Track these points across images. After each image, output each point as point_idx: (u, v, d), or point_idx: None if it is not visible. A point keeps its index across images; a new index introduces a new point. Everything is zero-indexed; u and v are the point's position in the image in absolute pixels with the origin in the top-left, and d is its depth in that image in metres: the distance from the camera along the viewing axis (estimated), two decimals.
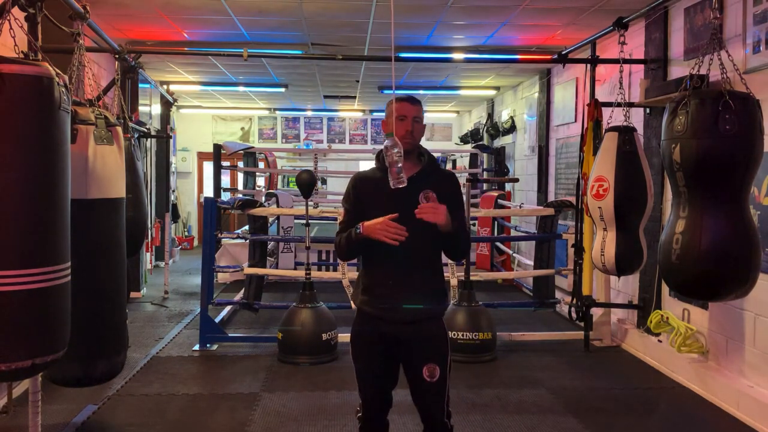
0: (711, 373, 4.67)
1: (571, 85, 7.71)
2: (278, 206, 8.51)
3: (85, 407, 4.31)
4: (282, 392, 4.74)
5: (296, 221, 8.80)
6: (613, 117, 4.83)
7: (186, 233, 13.49)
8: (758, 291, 3.52)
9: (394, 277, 2.71)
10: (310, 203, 5.77)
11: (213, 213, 6.09)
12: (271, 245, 8.03)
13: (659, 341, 5.37)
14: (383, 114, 2.87)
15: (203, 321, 5.91)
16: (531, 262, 7.26)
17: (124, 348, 3.55)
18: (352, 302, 5.74)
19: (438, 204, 2.56)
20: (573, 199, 6.01)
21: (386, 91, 10.15)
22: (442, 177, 2.81)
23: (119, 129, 3.44)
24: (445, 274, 2.90)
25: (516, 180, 8.35)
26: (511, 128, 10.18)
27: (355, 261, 8.50)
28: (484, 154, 11.04)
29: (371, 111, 13.79)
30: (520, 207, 8.35)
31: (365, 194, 2.75)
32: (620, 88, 4.85)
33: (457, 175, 12.32)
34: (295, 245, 8.54)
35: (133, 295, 7.77)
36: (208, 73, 9.35)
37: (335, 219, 6.21)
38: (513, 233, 8.88)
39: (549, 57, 6.68)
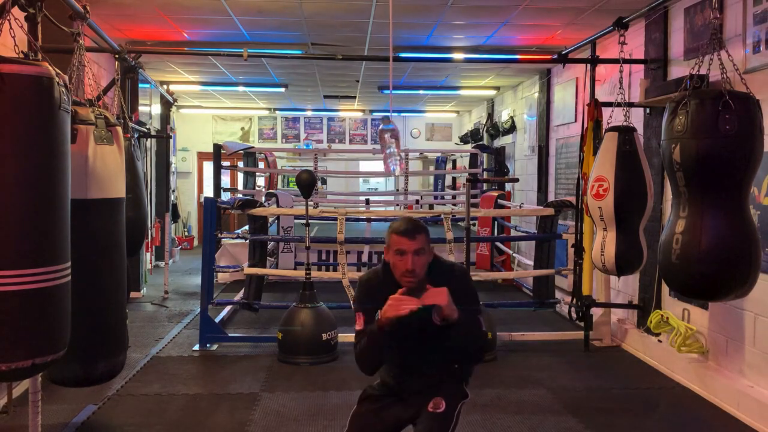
0: (711, 373, 4.67)
1: (571, 85, 7.71)
2: (278, 206, 8.51)
3: (85, 407, 4.31)
4: (282, 392, 4.74)
5: (296, 221, 8.81)
6: (613, 117, 4.83)
7: (186, 233, 13.49)
8: (758, 291, 3.52)
9: (408, 379, 2.66)
10: (310, 203, 5.77)
11: (213, 213, 6.10)
12: (271, 245, 8.03)
13: (659, 341, 5.37)
14: (383, 114, 2.79)
15: (203, 321, 5.91)
16: (531, 262, 7.26)
17: (124, 348, 3.55)
18: (352, 303, 5.76)
19: (439, 288, 2.42)
20: (573, 199, 6.01)
21: (386, 91, 10.15)
22: (452, 280, 2.58)
23: (119, 129, 3.43)
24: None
25: (516, 180, 8.34)
26: (511, 128, 10.18)
27: (355, 261, 8.61)
28: (484, 154, 11.04)
29: (371, 111, 13.79)
30: (520, 207, 8.35)
31: (376, 296, 2.54)
32: (620, 88, 4.85)
33: (457, 175, 12.41)
34: (295, 245, 8.53)
35: (133, 295, 7.77)
36: (208, 73, 9.35)
37: (335, 219, 6.21)
38: (513, 233, 8.88)
39: (549, 57, 6.69)
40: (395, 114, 13.69)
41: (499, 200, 8.98)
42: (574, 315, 5.80)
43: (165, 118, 10.18)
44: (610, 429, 4.16)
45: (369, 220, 8.56)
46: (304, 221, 5.75)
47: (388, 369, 2.72)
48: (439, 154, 12.74)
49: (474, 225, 9.16)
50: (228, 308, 7.01)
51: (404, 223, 2.55)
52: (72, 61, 3.65)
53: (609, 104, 5.09)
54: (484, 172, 10.82)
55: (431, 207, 11.51)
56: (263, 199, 9.02)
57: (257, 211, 6.22)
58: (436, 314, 2.44)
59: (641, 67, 5.78)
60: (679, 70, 5.27)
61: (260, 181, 11.82)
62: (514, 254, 9.00)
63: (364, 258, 8.74)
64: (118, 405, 4.43)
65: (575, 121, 7.52)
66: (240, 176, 12.42)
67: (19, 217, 2.45)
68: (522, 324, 6.60)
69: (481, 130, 11.87)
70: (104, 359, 3.34)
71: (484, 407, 4.42)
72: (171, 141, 10.37)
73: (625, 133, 4.57)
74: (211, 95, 11.55)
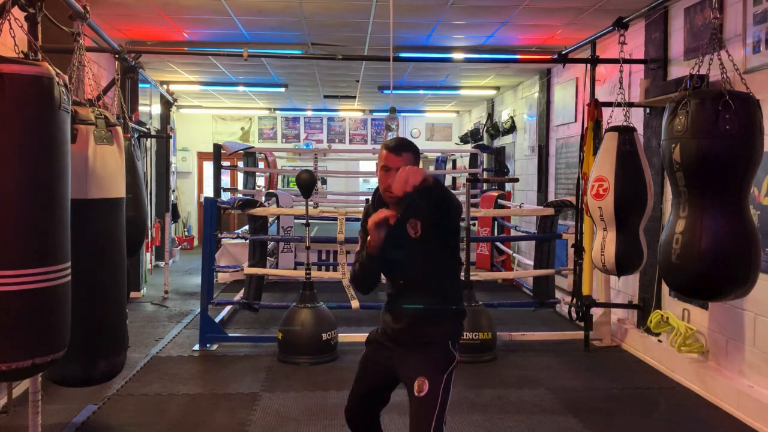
0: (711, 373, 4.67)
1: (571, 85, 7.71)
2: (278, 206, 8.51)
3: (85, 407, 4.31)
4: (282, 392, 4.74)
5: (296, 221, 8.80)
6: (613, 117, 4.83)
7: (186, 233, 13.49)
8: (758, 291, 3.51)
9: (393, 298, 2.71)
10: (310, 203, 5.77)
11: (213, 213, 6.09)
12: (271, 245, 8.03)
13: (659, 341, 5.37)
14: (383, 114, 2.83)
15: (203, 321, 5.90)
16: (531, 262, 7.26)
17: (124, 348, 3.55)
18: (352, 303, 5.76)
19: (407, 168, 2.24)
20: (573, 199, 6.01)
21: (386, 91, 10.15)
22: (427, 196, 2.43)
23: (119, 129, 3.44)
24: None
25: (516, 180, 8.35)
26: (511, 128, 10.18)
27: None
28: (484, 154, 11.04)
29: (371, 111, 13.78)
30: (520, 207, 8.35)
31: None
32: (620, 88, 4.85)
33: (457, 175, 12.39)
34: (295, 245, 8.53)
35: (133, 295, 7.77)
36: (208, 73, 9.35)
37: (335, 219, 6.21)
38: (513, 233, 8.88)
39: (549, 57, 6.68)
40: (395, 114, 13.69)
41: (499, 200, 8.99)
42: (574, 315, 5.80)
43: (165, 118, 10.18)
44: (610, 429, 4.16)
45: None
46: (304, 221, 5.75)
47: (385, 309, 2.78)
48: (439, 154, 12.73)
49: (474, 225, 9.16)
50: (228, 308, 7.01)
51: (394, 140, 2.61)
52: (72, 61, 3.65)
53: (609, 104, 5.09)
54: (484, 172, 10.81)
55: None
56: (263, 199, 9.01)
57: (257, 211, 6.22)
58: (412, 222, 2.52)
59: (641, 67, 5.78)
60: (679, 70, 5.27)
61: (260, 181, 11.81)
62: (514, 254, 9.00)
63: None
64: (118, 405, 4.43)
65: (575, 121, 7.52)
66: (240, 176, 12.42)
67: (19, 217, 2.45)
68: (522, 324, 6.59)
69: (481, 130, 11.87)
70: (104, 359, 3.34)
71: (484, 407, 4.42)
72: (171, 141, 10.37)
73: (625, 133, 4.57)
74: (211, 95, 11.55)
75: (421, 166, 2.60)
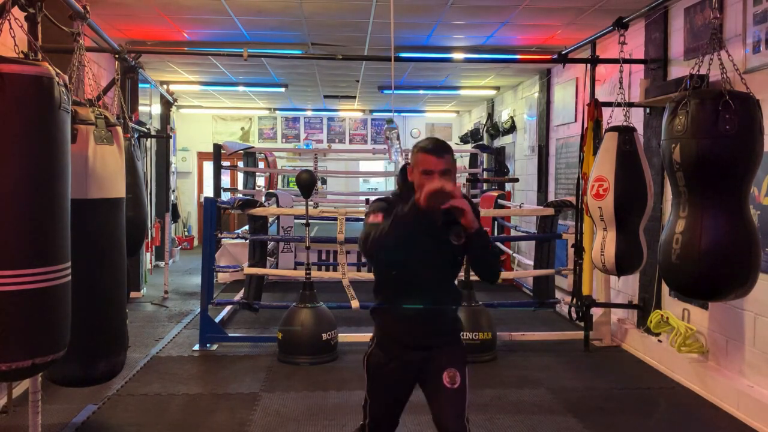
0: (711, 373, 4.67)
1: (571, 85, 7.71)
2: (278, 206, 8.51)
3: (85, 407, 4.31)
4: (282, 392, 4.74)
5: (296, 221, 8.80)
6: (613, 117, 4.83)
7: (186, 233, 13.49)
8: (758, 291, 3.52)
9: (418, 306, 2.61)
10: (310, 203, 5.77)
11: (213, 213, 6.09)
12: (271, 245, 8.03)
13: (659, 341, 5.37)
14: (383, 114, 2.79)
15: (203, 321, 5.90)
16: (531, 262, 7.25)
17: (124, 348, 3.55)
18: (352, 303, 5.75)
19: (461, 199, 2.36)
20: (573, 199, 6.01)
21: (386, 91, 10.15)
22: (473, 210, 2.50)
23: (119, 129, 3.44)
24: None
25: (516, 180, 8.35)
26: (511, 128, 10.18)
27: (355, 261, 8.60)
28: (484, 154, 11.04)
29: (371, 111, 13.78)
30: (520, 207, 8.35)
31: (395, 207, 2.46)
32: (620, 88, 4.85)
33: (457, 175, 12.38)
34: (295, 245, 8.53)
35: (133, 295, 7.77)
36: (208, 73, 9.35)
37: (335, 219, 6.20)
38: (513, 233, 8.88)
39: (549, 57, 6.68)
40: (395, 114, 13.70)
41: (499, 200, 8.99)
42: (574, 315, 5.80)
43: (165, 118, 10.18)
44: (610, 429, 4.16)
45: None
46: (304, 221, 5.75)
47: (387, 308, 2.65)
48: None
49: None
50: (228, 308, 7.01)
51: (431, 141, 2.49)
52: (72, 61, 3.65)
53: (609, 104, 5.09)
54: (484, 172, 10.81)
55: None
56: (263, 199, 9.01)
57: (257, 211, 6.22)
58: (456, 231, 2.40)
59: (641, 67, 5.78)
60: (679, 70, 5.27)
61: (260, 181, 11.81)
62: (514, 254, 9.00)
63: (364, 258, 8.73)
64: (118, 405, 4.43)
65: (575, 121, 7.52)
66: (240, 176, 12.42)
67: (19, 217, 2.45)
68: (522, 324, 6.60)
69: (481, 130, 11.87)
70: (104, 359, 3.34)
71: (484, 407, 4.42)
72: (171, 141, 10.37)
73: (625, 133, 4.57)
74: (211, 95, 11.55)
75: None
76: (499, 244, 9.08)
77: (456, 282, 2.83)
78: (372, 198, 11.17)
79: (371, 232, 2.45)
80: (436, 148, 2.45)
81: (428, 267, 2.57)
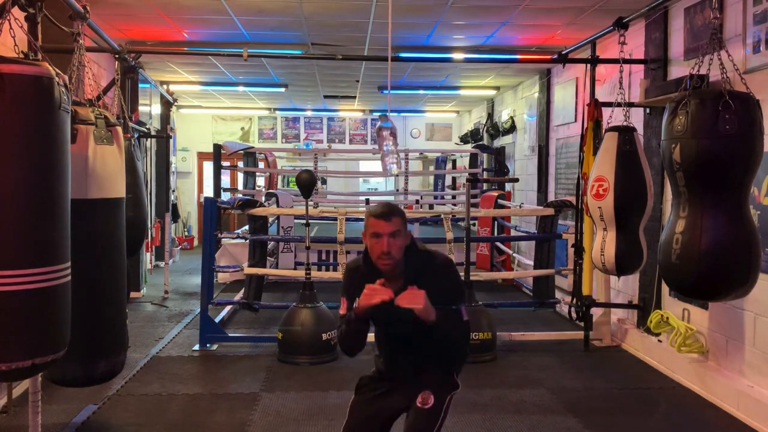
0: (711, 373, 4.67)
1: (571, 85, 7.71)
2: (278, 206, 8.51)
3: (85, 407, 4.31)
4: (282, 392, 4.75)
5: (296, 221, 8.80)
6: (613, 117, 4.83)
7: (186, 233, 13.49)
8: (758, 291, 3.52)
9: (397, 365, 2.72)
10: (310, 203, 5.77)
11: (213, 213, 6.09)
12: (271, 245, 8.03)
13: (659, 341, 5.37)
14: (381, 112, 2.80)
15: (203, 321, 5.90)
16: (531, 262, 7.25)
17: (124, 348, 3.55)
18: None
19: (417, 290, 2.43)
20: (573, 199, 6.01)
21: (385, 91, 10.15)
22: (431, 274, 2.59)
23: (119, 129, 3.44)
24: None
25: (516, 180, 8.35)
26: (511, 128, 10.18)
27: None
28: (484, 154, 11.04)
29: (371, 111, 13.79)
30: (520, 207, 8.35)
31: (359, 284, 2.57)
32: (620, 88, 4.85)
33: (457, 175, 12.40)
34: (295, 245, 8.53)
35: (133, 295, 7.77)
36: (208, 73, 9.35)
37: (335, 219, 6.20)
38: (513, 233, 8.88)
39: (549, 57, 6.68)
40: (395, 114, 13.69)
41: (499, 200, 8.98)
42: (574, 315, 5.80)
43: (165, 118, 10.18)
44: (610, 429, 4.16)
45: None
46: (304, 221, 5.75)
47: (379, 354, 2.80)
48: (439, 154, 12.74)
49: (474, 225, 9.16)
50: (228, 308, 7.01)
51: (380, 206, 2.61)
52: (72, 61, 3.64)
53: (609, 104, 5.09)
54: (484, 172, 10.81)
55: (431, 207, 11.51)
56: (263, 199, 9.01)
57: (257, 211, 6.22)
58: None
59: (641, 67, 5.78)
60: (679, 70, 5.27)
61: (260, 181, 11.82)
62: (514, 254, 8.99)
63: None
64: (118, 405, 4.43)
65: (575, 121, 7.52)
66: (240, 176, 12.43)
67: (19, 217, 2.45)
68: (522, 324, 6.60)
69: (481, 130, 11.87)
70: (104, 359, 3.34)
71: (484, 407, 4.42)
72: (171, 141, 10.37)
73: (625, 133, 4.57)
74: (211, 95, 11.55)
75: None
76: (499, 244, 9.10)
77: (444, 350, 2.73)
78: (371, 200, 11.16)
79: (339, 330, 2.68)
80: (383, 213, 2.55)
81: (402, 339, 2.66)
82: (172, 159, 10.65)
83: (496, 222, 9.11)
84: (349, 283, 2.69)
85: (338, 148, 13.82)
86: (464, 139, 12.60)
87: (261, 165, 11.46)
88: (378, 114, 13.71)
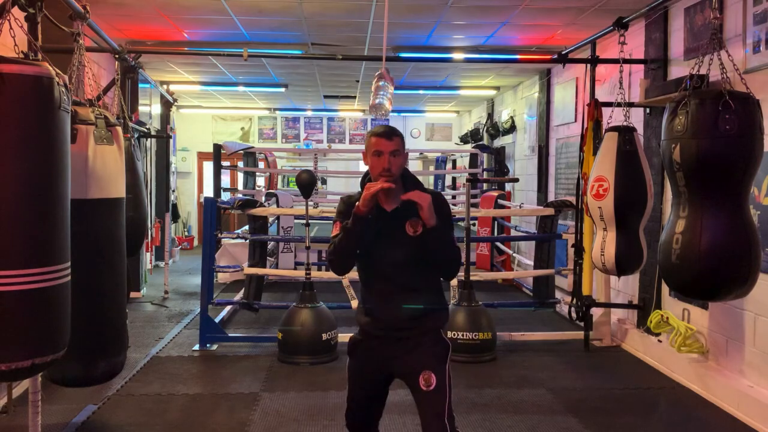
0: (711, 373, 4.67)
1: (571, 85, 7.71)
2: (278, 206, 8.51)
3: (85, 407, 4.31)
4: (282, 392, 4.75)
5: (296, 221, 8.80)
6: (613, 117, 4.83)
7: (186, 233, 13.49)
8: (758, 291, 3.52)
9: (388, 297, 2.68)
10: (310, 203, 5.77)
11: (213, 213, 6.10)
12: (271, 245, 8.03)
13: (659, 341, 5.37)
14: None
15: (203, 321, 5.91)
16: (531, 262, 7.26)
17: (124, 348, 3.55)
18: (352, 303, 5.75)
19: (422, 192, 2.57)
20: (573, 199, 6.01)
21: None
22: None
23: (119, 129, 3.44)
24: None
25: (516, 180, 8.35)
26: (511, 128, 10.18)
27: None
28: (484, 154, 11.03)
29: None
30: (520, 207, 8.35)
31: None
32: (620, 88, 4.85)
33: (457, 175, 12.40)
34: (295, 245, 8.54)
35: (133, 295, 7.77)
36: (208, 73, 9.35)
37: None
38: (513, 233, 8.88)
39: (549, 57, 6.68)
40: (395, 114, 13.69)
41: (499, 200, 8.99)
42: (574, 315, 5.80)
43: (165, 118, 10.18)
44: (610, 429, 4.16)
45: None
46: (304, 221, 5.75)
47: (367, 303, 2.76)
48: (439, 154, 12.74)
49: (474, 225, 9.17)
50: (228, 308, 7.01)
51: (382, 127, 2.70)
52: (72, 61, 3.64)
53: (609, 104, 5.09)
54: (484, 172, 10.81)
55: None
56: (263, 199, 9.01)
57: (257, 211, 6.22)
58: (412, 221, 2.57)
59: (641, 67, 5.78)
60: (679, 70, 5.27)
61: (260, 181, 11.82)
62: (514, 254, 9.00)
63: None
64: (118, 405, 4.43)
65: (575, 121, 7.52)
66: (240, 176, 12.43)
67: (19, 217, 2.45)
68: (522, 324, 6.59)
69: (481, 130, 11.87)
70: (104, 359, 3.34)
71: (484, 407, 4.43)
72: (171, 141, 10.37)
73: (625, 133, 4.57)
74: (211, 95, 11.55)
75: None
76: (499, 244, 9.10)
77: (433, 277, 2.76)
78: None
79: (330, 247, 2.70)
80: (385, 132, 2.66)
81: (391, 261, 2.66)
82: (172, 159, 10.65)
83: (496, 222, 9.12)
84: (345, 209, 2.72)
85: (338, 148, 13.82)
86: (464, 139, 12.60)
87: (261, 165, 11.46)
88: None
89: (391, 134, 2.66)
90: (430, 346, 2.68)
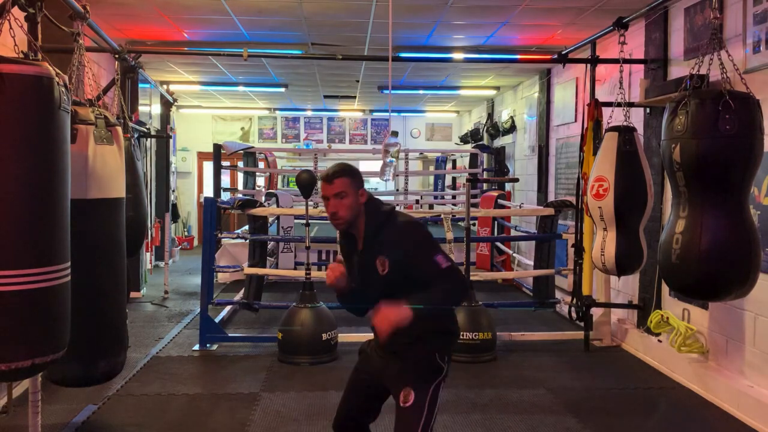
0: (711, 373, 4.67)
1: (571, 85, 7.71)
2: (278, 206, 8.51)
3: (85, 407, 4.31)
4: (282, 392, 4.74)
5: (296, 221, 8.80)
6: (613, 117, 4.83)
7: (186, 233, 13.49)
8: (758, 291, 3.52)
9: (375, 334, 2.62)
10: (310, 203, 5.77)
11: (213, 213, 6.09)
12: (271, 245, 8.03)
13: (659, 341, 5.37)
14: (383, 114, 2.84)
15: (203, 321, 5.90)
16: (531, 262, 7.26)
17: (124, 348, 3.55)
18: None
19: (387, 308, 2.39)
20: (573, 199, 6.01)
21: (385, 91, 10.15)
22: (393, 234, 2.56)
23: (119, 129, 3.44)
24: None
25: (516, 180, 8.35)
26: (511, 128, 10.18)
27: None
28: (484, 154, 11.04)
29: (371, 111, 13.78)
30: (520, 207, 8.35)
31: (342, 245, 2.80)
32: (620, 88, 4.85)
33: (457, 175, 12.39)
34: (295, 245, 8.53)
35: (133, 295, 7.77)
36: (208, 73, 9.35)
37: None
38: (513, 233, 8.88)
39: (549, 57, 6.68)
40: (395, 114, 13.70)
41: (499, 200, 8.99)
42: (574, 315, 5.80)
43: (165, 118, 10.18)
44: (610, 429, 4.16)
45: None
46: (304, 221, 5.75)
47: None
48: (439, 154, 12.74)
49: (474, 225, 9.16)
50: (228, 308, 7.01)
51: (329, 169, 2.67)
52: (72, 61, 3.64)
53: (609, 104, 5.09)
54: (484, 172, 10.81)
55: (431, 207, 11.51)
56: (263, 199, 9.01)
57: (257, 211, 6.22)
58: (380, 260, 2.58)
59: (641, 67, 5.78)
60: (679, 70, 5.27)
61: (260, 181, 11.82)
62: (514, 254, 8.99)
63: None
64: (118, 405, 4.43)
65: (575, 121, 7.52)
66: (240, 176, 12.43)
67: (19, 217, 2.45)
68: (522, 324, 6.59)
69: (481, 130, 11.87)
70: (104, 359, 3.34)
71: (484, 407, 4.42)
72: (171, 141, 10.37)
73: (625, 133, 4.57)
74: (211, 95, 11.55)
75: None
76: (499, 244, 9.10)
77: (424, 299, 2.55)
78: None
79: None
80: (326, 175, 2.62)
81: (374, 295, 2.57)
82: (172, 159, 10.65)
83: (496, 222, 9.12)
84: (339, 241, 2.80)
85: (338, 148, 13.81)
86: (464, 139, 12.60)
87: (261, 165, 11.46)
88: (379, 115, 13.77)
89: (332, 177, 2.59)
90: (416, 364, 2.58)
